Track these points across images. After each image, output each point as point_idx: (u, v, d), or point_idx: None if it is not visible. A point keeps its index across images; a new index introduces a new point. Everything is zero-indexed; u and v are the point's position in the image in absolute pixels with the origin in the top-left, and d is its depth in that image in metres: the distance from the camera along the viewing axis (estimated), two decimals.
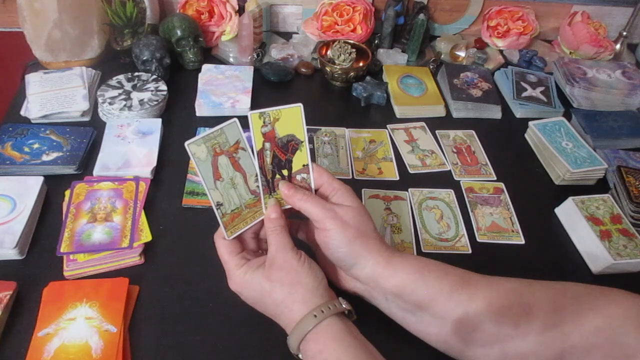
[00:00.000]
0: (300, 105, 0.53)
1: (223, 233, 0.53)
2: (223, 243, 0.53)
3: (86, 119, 0.83)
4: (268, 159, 0.53)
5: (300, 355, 0.49)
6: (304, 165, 0.55)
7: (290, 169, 0.55)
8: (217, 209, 0.52)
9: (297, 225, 0.60)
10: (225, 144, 0.51)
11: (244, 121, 0.52)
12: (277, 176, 0.54)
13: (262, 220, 0.55)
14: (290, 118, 0.53)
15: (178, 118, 0.86)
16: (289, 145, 0.54)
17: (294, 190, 0.53)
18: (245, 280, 0.51)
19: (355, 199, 0.54)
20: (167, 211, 0.70)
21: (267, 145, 0.53)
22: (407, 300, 0.51)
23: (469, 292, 0.49)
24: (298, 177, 0.55)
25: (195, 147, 0.50)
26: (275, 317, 0.51)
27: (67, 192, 0.68)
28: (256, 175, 0.54)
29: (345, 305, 0.49)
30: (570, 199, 0.73)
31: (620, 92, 0.96)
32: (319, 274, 0.51)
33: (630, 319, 0.44)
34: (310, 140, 0.83)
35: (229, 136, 0.52)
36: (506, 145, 0.88)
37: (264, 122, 0.52)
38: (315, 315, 0.47)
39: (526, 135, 0.90)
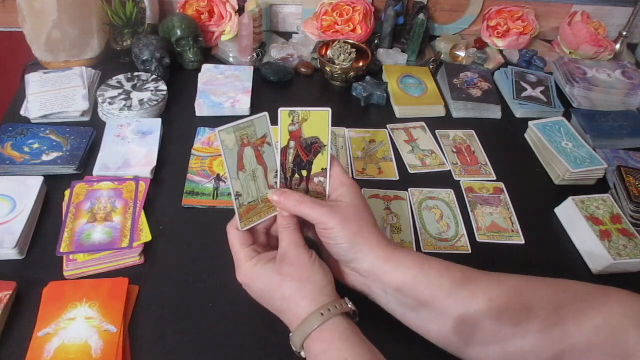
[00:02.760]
0: (329, 110, 0.53)
1: (237, 224, 0.54)
2: (236, 234, 0.54)
3: (86, 119, 0.83)
4: (290, 157, 0.54)
5: (302, 354, 0.49)
6: (322, 169, 0.55)
7: (309, 171, 0.55)
8: (235, 199, 0.53)
9: (304, 224, 0.60)
10: (253, 136, 0.52)
11: (273, 116, 0.52)
12: (296, 176, 0.55)
13: (275, 217, 0.55)
14: (318, 121, 0.53)
15: (178, 118, 0.86)
16: (313, 147, 0.54)
17: (285, 197, 0.53)
18: (254, 272, 0.51)
19: (357, 195, 0.54)
20: (167, 211, 0.70)
21: (292, 143, 0.53)
22: (407, 296, 0.51)
23: (470, 290, 0.49)
24: (315, 180, 0.55)
25: (225, 135, 0.50)
26: (280, 312, 0.51)
27: (67, 192, 0.68)
28: (276, 172, 0.54)
29: (351, 306, 0.50)
30: (570, 199, 0.73)
31: (620, 92, 0.96)
32: (328, 274, 0.52)
33: (630, 318, 0.44)
34: None
35: (257, 129, 0.52)
36: (506, 145, 0.88)
37: (292, 121, 0.52)
38: (322, 314, 0.47)
39: (526, 135, 0.90)
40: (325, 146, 0.54)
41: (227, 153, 0.51)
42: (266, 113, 0.52)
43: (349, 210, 0.52)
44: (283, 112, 0.52)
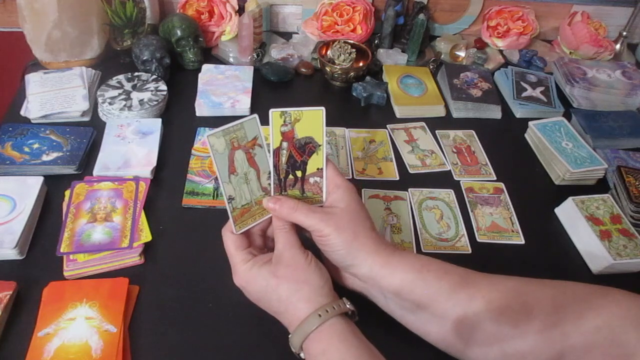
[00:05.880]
0: (323, 109, 0.53)
1: (232, 227, 0.54)
2: (231, 237, 0.53)
3: (86, 119, 0.83)
4: (284, 158, 0.53)
5: (302, 355, 0.49)
6: (318, 169, 0.55)
7: (304, 171, 0.54)
8: (228, 203, 0.52)
9: None
10: (244, 139, 0.52)
11: (263, 118, 0.52)
12: (290, 176, 0.54)
13: (271, 218, 0.55)
14: (311, 120, 0.53)
15: (178, 118, 0.86)
16: (307, 147, 0.54)
17: (279, 204, 0.52)
18: (250, 275, 0.51)
19: (352, 199, 0.53)
20: (167, 211, 0.70)
21: (285, 144, 0.53)
22: (406, 299, 0.51)
23: (469, 292, 0.49)
24: (311, 180, 0.55)
25: (214, 139, 0.50)
26: (278, 314, 0.51)
27: (67, 192, 0.68)
28: (269, 173, 0.54)
29: (349, 305, 0.50)
30: (570, 199, 0.73)
31: (620, 92, 0.96)
32: (325, 274, 0.51)
33: (629, 318, 0.44)
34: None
35: (247, 131, 0.52)
36: (506, 145, 0.88)
37: (284, 122, 0.52)
38: (319, 315, 0.47)
39: (526, 135, 0.90)
40: (320, 146, 0.54)
41: (217, 157, 0.50)
42: (255, 115, 0.52)
43: (344, 216, 0.52)
44: (274, 113, 0.51)
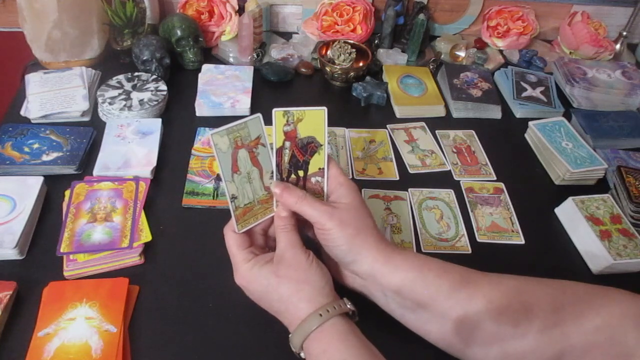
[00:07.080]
0: (325, 108, 0.53)
1: (234, 226, 0.54)
2: (232, 236, 0.53)
3: (86, 119, 0.83)
4: (286, 158, 0.53)
5: (302, 354, 0.49)
6: (319, 169, 0.55)
7: (306, 171, 0.55)
8: (231, 202, 0.53)
9: (303, 223, 0.60)
10: (247, 138, 0.52)
11: (265, 118, 0.52)
12: (293, 176, 0.55)
13: (273, 218, 0.55)
14: (313, 120, 0.53)
15: (178, 118, 0.86)
16: (308, 147, 0.54)
17: (287, 192, 0.52)
18: (252, 274, 0.51)
19: (355, 196, 0.54)
20: (167, 211, 0.70)
21: (287, 144, 0.53)
22: (406, 298, 0.51)
23: (469, 291, 0.49)
24: (312, 180, 0.55)
25: (218, 138, 0.50)
26: (278, 313, 0.51)
27: (67, 192, 0.68)
28: (272, 172, 0.54)
29: (350, 305, 0.50)
30: (570, 199, 0.73)
31: (620, 92, 0.96)
32: (326, 274, 0.51)
33: (629, 318, 0.44)
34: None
35: (251, 130, 0.52)
36: (506, 145, 0.88)
37: (287, 121, 0.52)
38: (320, 315, 0.47)
39: (526, 135, 0.90)
40: (321, 145, 0.54)
41: (221, 156, 0.51)
42: (259, 114, 0.52)
43: (348, 212, 0.52)
44: (277, 113, 0.51)
